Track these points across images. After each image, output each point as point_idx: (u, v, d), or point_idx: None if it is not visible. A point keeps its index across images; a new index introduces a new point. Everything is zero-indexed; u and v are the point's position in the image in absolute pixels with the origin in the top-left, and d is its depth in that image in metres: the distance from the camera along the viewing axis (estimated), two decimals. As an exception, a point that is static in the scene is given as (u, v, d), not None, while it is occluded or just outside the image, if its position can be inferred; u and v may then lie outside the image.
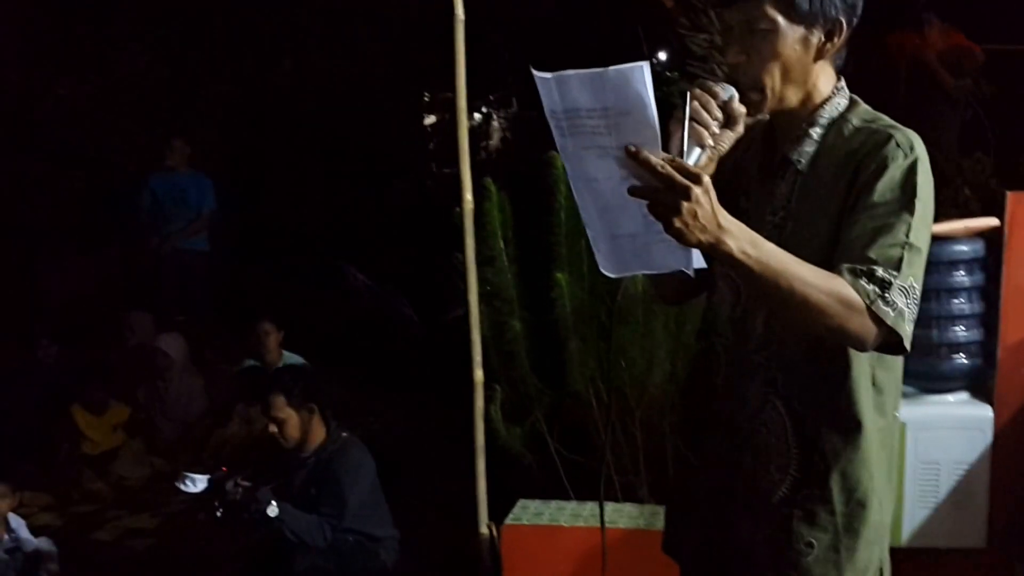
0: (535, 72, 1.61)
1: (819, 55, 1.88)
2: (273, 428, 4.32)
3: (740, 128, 1.81)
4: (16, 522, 4.74)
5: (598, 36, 7.87)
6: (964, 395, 3.69)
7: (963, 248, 3.61)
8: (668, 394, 4.22)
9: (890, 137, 1.84)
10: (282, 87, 9.73)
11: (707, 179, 1.60)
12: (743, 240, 1.66)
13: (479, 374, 4.12)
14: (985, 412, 3.60)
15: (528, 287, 4.40)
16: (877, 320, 1.73)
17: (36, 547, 4.70)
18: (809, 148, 1.93)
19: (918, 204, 1.80)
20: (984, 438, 3.56)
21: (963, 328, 3.62)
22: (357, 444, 4.45)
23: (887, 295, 1.73)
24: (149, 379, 6.63)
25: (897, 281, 1.74)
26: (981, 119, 6.58)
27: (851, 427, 1.93)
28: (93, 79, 8.59)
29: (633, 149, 1.58)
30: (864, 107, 1.96)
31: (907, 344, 1.78)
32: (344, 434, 4.46)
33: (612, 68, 1.54)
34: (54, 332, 6.97)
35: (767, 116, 1.98)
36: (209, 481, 4.20)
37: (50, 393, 6.41)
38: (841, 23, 1.87)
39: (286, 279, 8.18)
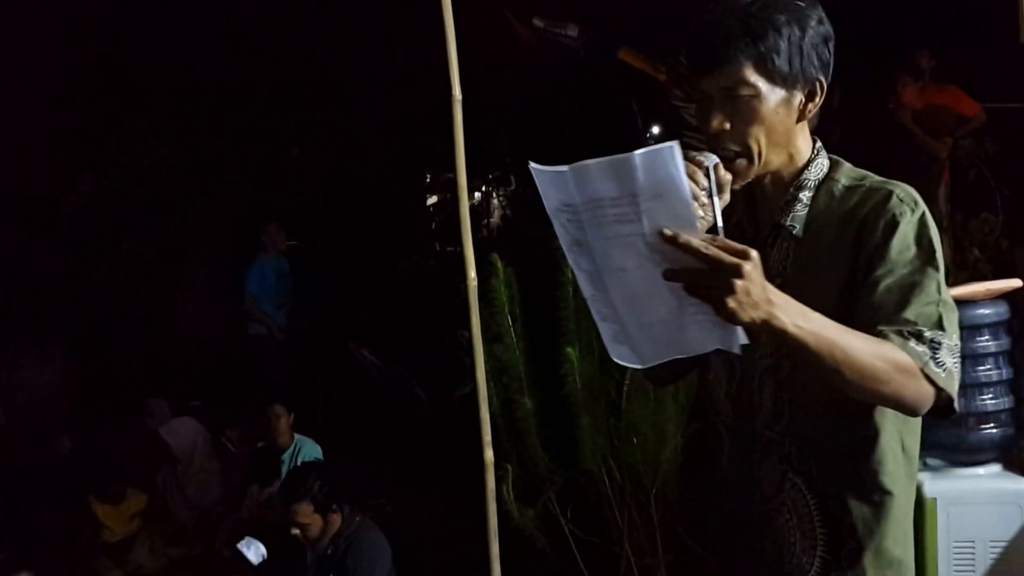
0: (536, 167, 1.43)
1: (800, 116, 1.75)
2: (296, 531, 4.18)
3: (727, 196, 1.66)
4: None
5: (595, 111, 7.66)
6: (996, 467, 3.41)
7: (986, 311, 3.32)
8: (681, 469, 3.88)
9: (891, 193, 1.72)
10: (290, 173, 9.59)
11: (755, 254, 1.41)
12: (794, 313, 1.48)
13: (489, 455, 3.76)
14: (1019, 485, 3.32)
15: (536, 363, 4.12)
16: (930, 382, 1.58)
17: None
18: (801, 212, 1.78)
19: (938, 258, 1.67)
20: (1020, 513, 3.26)
21: (991, 396, 3.34)
22: (373, 528, 4.33)
23: (938, 356, 1.59)
24: (167, 464, 6.34)
25: (945, 341, 1.61)
26: (986, 179, 6.25)
27: (883, 499, 1.75)
28: (113, 173, 8.46)
29: (670, 233, 1.39)
30: (848, 166, 1.82)
31: (956, 406, 1.64)
32: (358, 518, 4.32)
33: (639, 152, 1.36)
34: (71, 426, 6.82)
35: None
36: (263, 558, 4.18)
37: (69, 484, 6.23)
38: (821, 83, 1.74)
39: (296, 361, 8.01)
